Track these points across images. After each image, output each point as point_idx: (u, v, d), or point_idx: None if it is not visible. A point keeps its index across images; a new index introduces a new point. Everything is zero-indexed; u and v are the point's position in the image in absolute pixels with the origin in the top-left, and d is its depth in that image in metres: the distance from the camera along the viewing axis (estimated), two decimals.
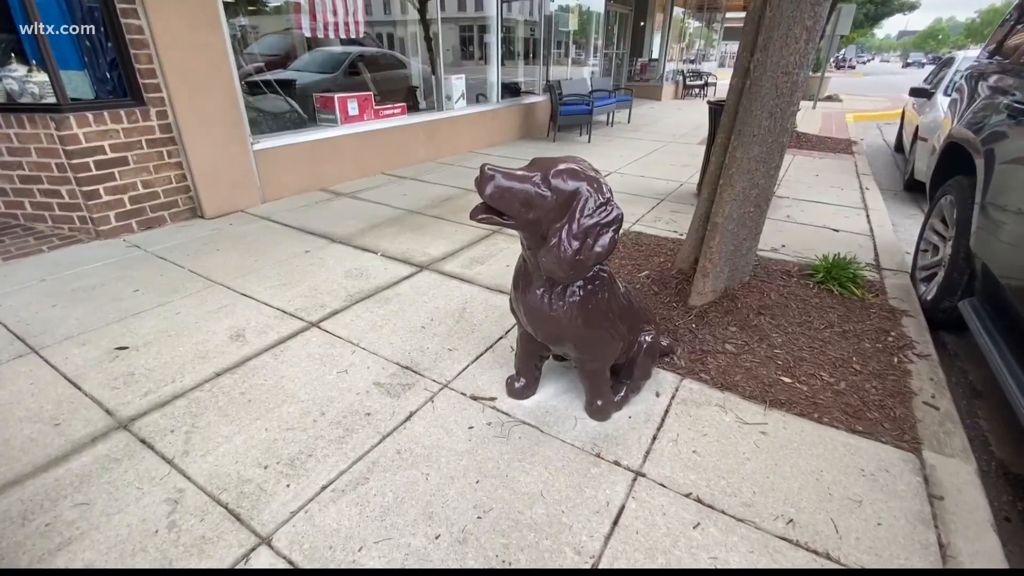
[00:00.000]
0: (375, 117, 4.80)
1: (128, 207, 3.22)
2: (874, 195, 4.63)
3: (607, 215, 1.28)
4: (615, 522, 1.35)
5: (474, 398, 1.80)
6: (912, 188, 5.36)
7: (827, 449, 1.62)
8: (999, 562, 1.27)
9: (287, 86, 4.84)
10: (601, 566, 1.23)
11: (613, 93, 8.34)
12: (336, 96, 4.41)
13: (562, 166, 1.29)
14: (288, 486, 1.42)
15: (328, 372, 1.91)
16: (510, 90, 7.22)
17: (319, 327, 2.22)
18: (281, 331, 2.18)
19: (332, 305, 2.41)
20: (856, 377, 1.98)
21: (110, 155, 3.07)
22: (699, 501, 1.42)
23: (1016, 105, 2.01)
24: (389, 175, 4.85)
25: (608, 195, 1.30)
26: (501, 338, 2.17)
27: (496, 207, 1.29)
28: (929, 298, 2.63)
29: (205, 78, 3.33)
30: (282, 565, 1.22)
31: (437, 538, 1.29)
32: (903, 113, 7.47)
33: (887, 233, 3.65)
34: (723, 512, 1.39)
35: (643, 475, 1.50)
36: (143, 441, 1.57)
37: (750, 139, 2.04)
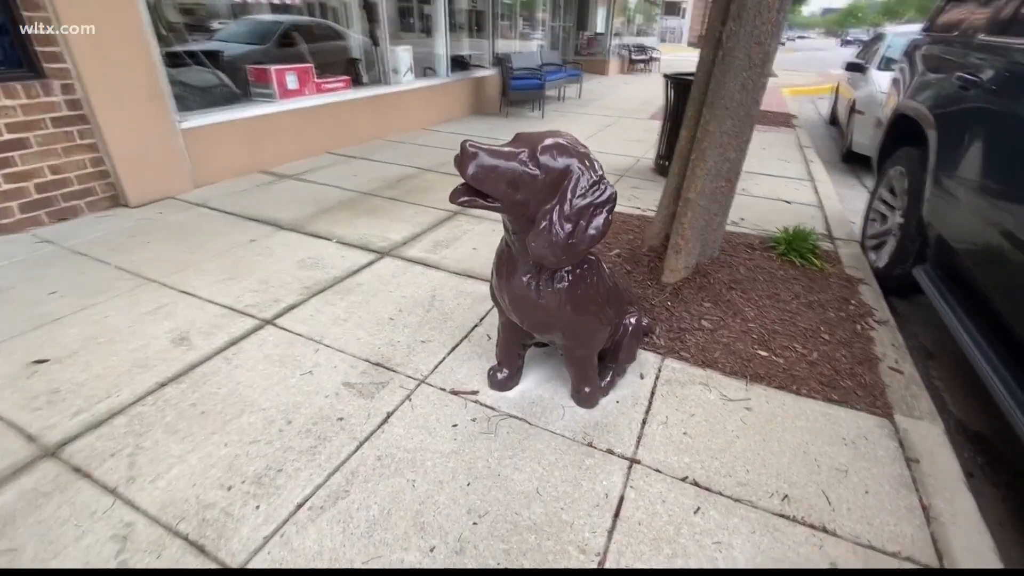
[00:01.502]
0: (316, 92, 4.45)
1: (34, 196, 2.81)
2: (818, 167, 4.82)
3: (601, 194, 1.19)
4: (616, 514, 1.30)
5: (455, 393, 1.70)
6: (849, 159, 5.63)
7: (809, 421, 1.65)
8: (975, 519, 1.33)
9: (212, 58, 4.38)
10: (607, 564, 1.18)
11: (563, 67, 8.20)
12: (272, 68, 4.04)
13: (550, 141, 1.18)
14: (258, 507, 1.27)
15: (291, 375, 1.74)
16: (458, 64, 6.93)
17: (275, 325, 2.02)
18: (231, 331, 1.97)
19: (287, 299, 2.20)
20: (826, 347, 2.03)
21: (7, 136, 2.65)
22: (696, 484, 1.40)
23: (967, 77, 2.08)
24: (335, 154, 4.54)
25: (600, 172, 1.21)
26: (476, 326, 2.06)
27: (479, 188, 1.17)
28: (880, 265, 2.75)
29: (118, 46, 2.92)
30: None
31: (432, 551, 1.19)
32: (836, 88, 7.82)
33: (834, 204, 3.80)
34: (720, 494, 1.38)
35: (638, 462, 1.46)
36: (78, 470, 1.36)
37: (722, 112, 2.00)
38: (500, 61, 6.74)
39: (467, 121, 6.39)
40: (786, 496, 1.38)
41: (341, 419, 1.56)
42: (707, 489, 1.39)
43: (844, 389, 1.81)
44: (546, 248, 1.20)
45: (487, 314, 2.15)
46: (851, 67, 6.23)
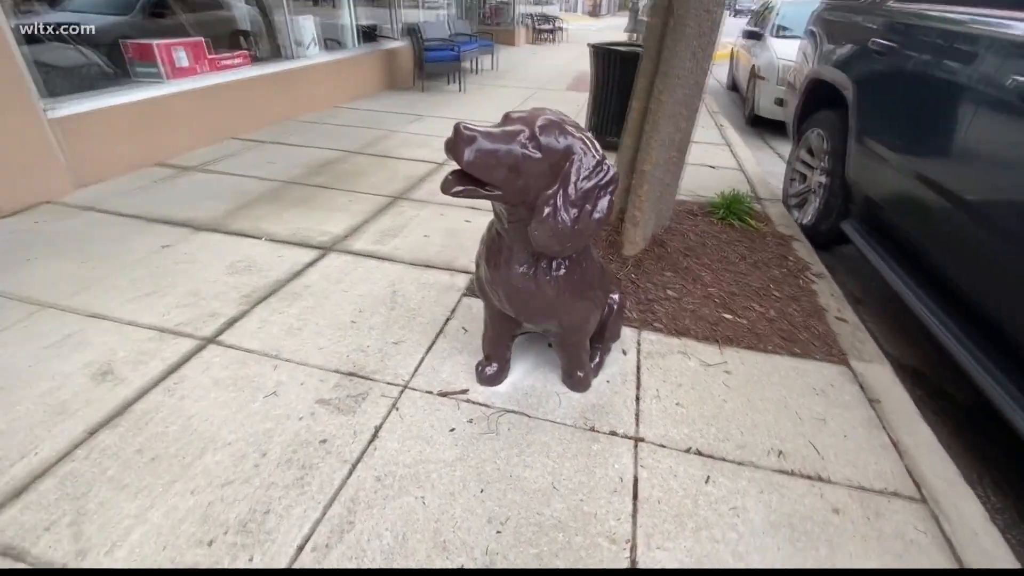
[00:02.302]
0: (212, 69, 3.91)
1: None
2: (730, 132, 5.12)
3: (604, 175, 1.13)
4: (635, 496, 1.30)
5: (444, 395, 1.59)
6: (754, 123, 6.04)
7: (782, 376, 1.75)
8: (937, 448, 1.49)
9: (70, 33, 3.67)
10: (639, 548, 1.17)
11: (474, 38, 7.94)
12: (157, 44, 3.46)
13: (548, 120, 1.09)
14: (251, 559, 1.11)
15: (251, 399, 1.54)
16: (365, 36, 6.45)
17: (218, 343, 1.77)
18: (166, 357, 1.69)
19: (226, 312, 1.94)
20: (779, 303, 2.16)
21: None
22: (700, 454, 1.44)
23: (881, 42, 2.25)
24: (243, 140, 4.06)
25: (601, 152, 1.14)
26: (449, 319, 1.95)
27: (477, 176, 1.06)
28: (805, 222, 2.98)
29: None
30: None
31: (461, 569, 1.11)
32: (732, 54, 8.31)
33: (753, 166, 4.06)
34: (724, 459, 1.42)
35: (642, 440, 1.47)
36: (6, 554, 1.10)
37: (675, 81, 2.01)
38: (411, 32, 6.36)
39: (382, 97, 6.00)
40: (780, 452, 1.45)
41: (324, 441, 1.40)
42: (711, 457, 1.43)
43: (803, 342, 1.94)
44: (551, 237, 1.13)
45: (456, 305, 2.04)
46: (748, 35, 6.62)
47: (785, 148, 5.19)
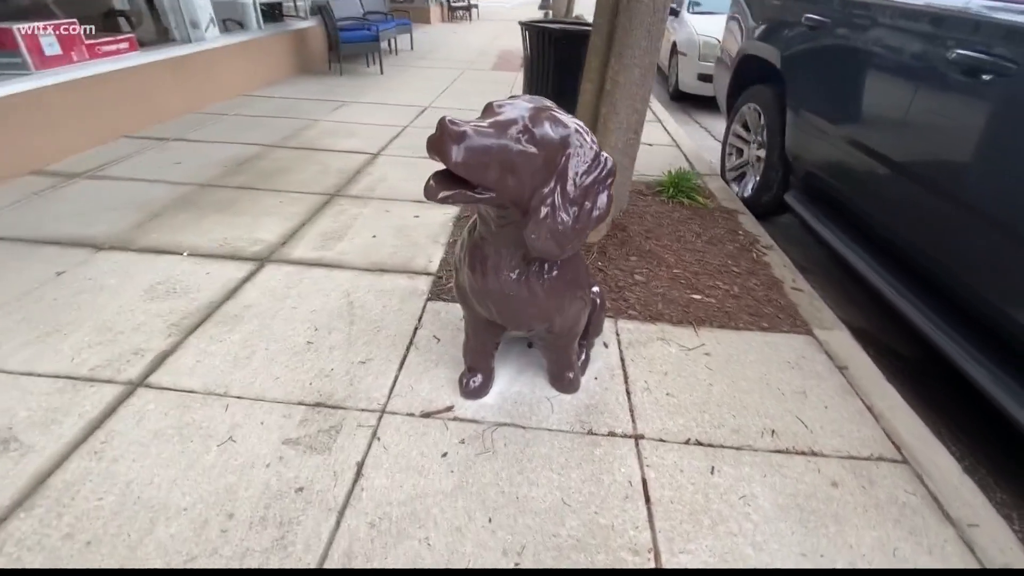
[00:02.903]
0: (92, 56, 3.34)
1: None
2: (659, 108, 5.21)
3: (602, 168, 1.03)
4: (647, 499, 1.25)
5: (427, 415, 1.46)
6: (677, 98, 6.21)
7: (758, 354, 1.78)
8: (906, 408, 1.58)
9: None
10: (662, 554, 1.13)
11: (390, 16, 7.49)
12: (17, 28, 2.88)
13: (536, 110, 0.97)
14: None
15: (204, 450, 1.32)
16: (269, 15, 5.86)
17: (148, 386, 1.51)
18: (84, 411, 1.41)
19: (152, 346, 1.66)
20: (739, 279, 2.21)
21: None
22: (699, 444, 1.42)
23: (817, 18, 2.32)
24: (138, 138, 3.54)
25: (596, 142, 1.04)
26: (417, 328, 1.80)
27: (466, 177, 0.92)
28: (746, 195, 3.09)
29: None
30: None
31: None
32: None
33: (687, 141, 4.15)
34: (723, 446, 1.41)
35: (642, 437, 1.43)
36: None
37: (631, 61, 1.95)
38: (320, 10, 5.86)
39: (296, 82, 5.51)
40: (773, 431, 1.47)
41: (301, 489, 1.23)
42: (710, 445, 1.42)
43: (769, 316, 2.00)
44: (550, 240, 1.02)
45: (423, 312, 1.88)
46: None
47: (710, 122, 5.39)
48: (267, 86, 5.24)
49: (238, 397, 1.48)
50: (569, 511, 1.22)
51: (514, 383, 1.59)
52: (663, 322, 1.92)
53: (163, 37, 4.33)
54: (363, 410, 1.46)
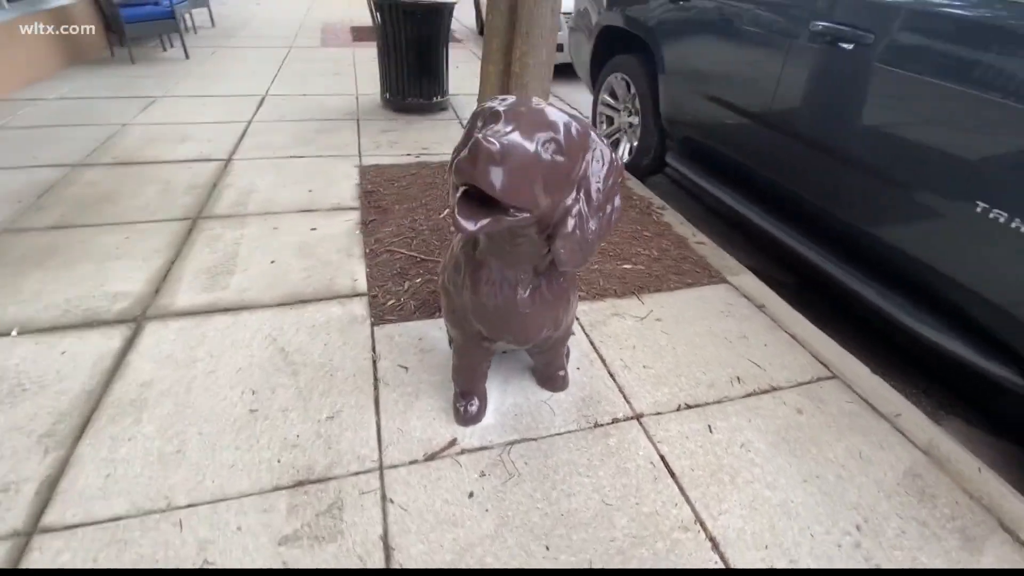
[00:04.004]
0: None
1: None
2: None
3: (615, 167, 1.00)
4: (671, 474, 1.32)
5: (432, 458, 1.32)
6: None
7: (696, 309, 1.96)
8: (817, 332, 1.89)
9: None
10: (707, 524, 1.21)
11: None
12: None
13: (554, 113, 0.89)
14: None
15: None
16: None
17: (46, 531, 1.10)
18: None
19: (26, 475, 1.21)
20: (653, 242, 2.39)
21: None
22: (689, 407, 1.53)
23: None
24: None
25: (605, 139, 1.00)
26: (376, 361, 1.60)
27: (507, 201, 0.81)
28: (624, 161, 3.31)
29: None
30: None
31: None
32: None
33: None
34: (707, 404, 1.54)
35: (641, 416, 1.49)
36: None
37: (539, 41, 1.89)
38: None
39: (72, 77, 4.32)
40: (738, 378, 1.65)
41: None
42: (698, 405, 1.53)
43: (689, 272, 2.20)
44: (578, 253, 0.98)
45: (373, 341, 1.68)
46: None
47: (563, 90, 5.59)
48: (35, 84, 4.02)
49: (190, 506, 1.17)
50: (612, 509, 1.23)
51: (505, 395, 1.52)
52: (610, 297, 1.99)
53: None
54: (357, 473, 1.27)
